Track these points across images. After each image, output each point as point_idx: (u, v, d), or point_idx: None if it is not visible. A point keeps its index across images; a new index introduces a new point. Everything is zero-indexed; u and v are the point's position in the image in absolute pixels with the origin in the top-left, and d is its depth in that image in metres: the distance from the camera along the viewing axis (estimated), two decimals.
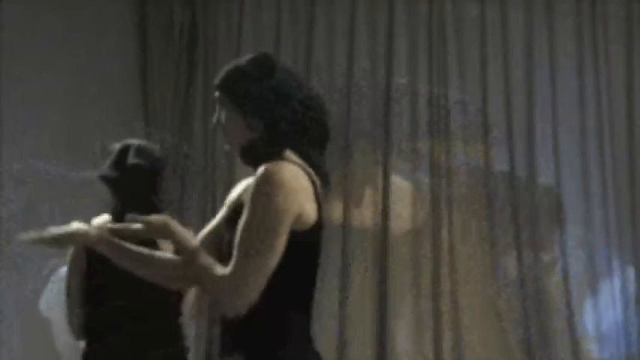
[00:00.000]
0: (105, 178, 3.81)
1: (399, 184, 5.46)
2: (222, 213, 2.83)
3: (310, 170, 2.68)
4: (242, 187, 2.80)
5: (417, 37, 5.51)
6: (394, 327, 5.38)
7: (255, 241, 2.52)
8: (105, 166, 3.83)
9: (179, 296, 3.70)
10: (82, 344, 3.81)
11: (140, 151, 3.80)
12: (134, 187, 3.77)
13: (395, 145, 5.44)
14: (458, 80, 5.48)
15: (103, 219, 3.71)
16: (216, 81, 2.77)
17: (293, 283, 2.61)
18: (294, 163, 2.65)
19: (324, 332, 5.33)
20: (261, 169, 2.59)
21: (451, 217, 5.40)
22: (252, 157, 2.71)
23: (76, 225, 2.75)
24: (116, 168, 3.79)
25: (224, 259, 2.59)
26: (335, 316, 5.37)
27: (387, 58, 5.48)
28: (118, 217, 3.54)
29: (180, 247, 2.61)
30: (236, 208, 2.68)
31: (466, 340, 5.34)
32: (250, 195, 2.57)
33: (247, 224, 2.54)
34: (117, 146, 3.84)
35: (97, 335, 3.76)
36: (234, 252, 2.54)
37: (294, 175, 2.59)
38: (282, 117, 2.69)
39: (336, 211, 5.45)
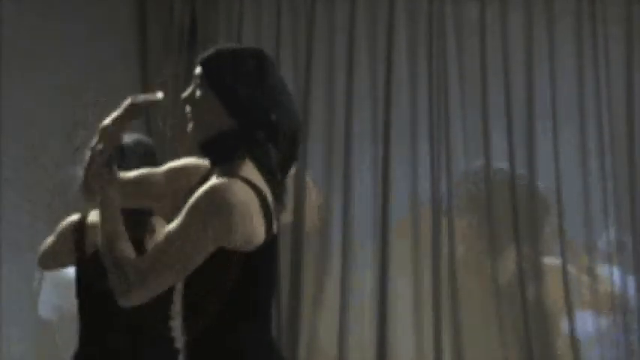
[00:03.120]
0: None
1: (396, 184, 5.46)
2: (162, 172, 2.77)
3: (263, 185, 2.54)
4: (192, 165, 2.73)
5: (417, 37, 5.51)
6: (394, 328, 5.37)
7: (173, 255, 2.44)
8: None
9: (169, 299, 3.69)
10: (75, 347, 3.83)
11: (132, 145, 3.80)
12: None
13: (394, 145, 5.44)
14: (458, 80, 5.48)
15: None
16: (203, 58, 2.61)
17: (250, 300, 2.56)
18: (246, 180, 2.50)
19: (324, 330, 5.36)
20: (208, 185, 2.47)
21: (451, 219, 5.39)
22: (214, 152, 2.58)
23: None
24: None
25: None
26: (335, 316, 5.38)
27: (387, 58, 5.48)
28: None
29: (100, 207, 2.54)
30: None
31: (465, 341, 5.33)
32: (190, 205, 2.46)
33: (173, 235, 2.46)
34: None
35: (89, 338, 3.77)
36: (152, 249, 2.49)
37: (239, 199, 2.45)
38: (260, 123, 2.54)
39: (336, 208, 5.46)
